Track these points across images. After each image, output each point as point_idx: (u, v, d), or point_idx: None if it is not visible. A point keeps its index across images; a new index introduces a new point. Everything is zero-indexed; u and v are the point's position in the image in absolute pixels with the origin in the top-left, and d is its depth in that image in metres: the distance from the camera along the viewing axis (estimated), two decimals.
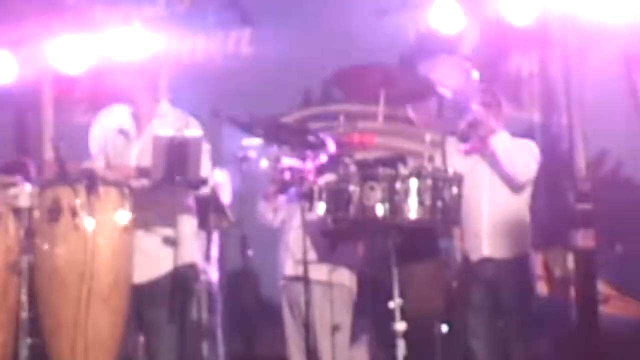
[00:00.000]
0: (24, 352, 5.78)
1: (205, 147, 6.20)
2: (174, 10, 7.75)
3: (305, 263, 6.57)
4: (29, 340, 5.80)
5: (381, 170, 5.85)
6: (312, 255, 6.78)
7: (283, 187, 7.09)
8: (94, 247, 5.72)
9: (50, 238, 5.77)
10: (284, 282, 7.45)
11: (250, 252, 7.81)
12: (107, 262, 5.79)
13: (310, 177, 6.43)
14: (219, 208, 6.82)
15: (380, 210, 5.75)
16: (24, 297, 5.80)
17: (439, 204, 5.85)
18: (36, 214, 5.84)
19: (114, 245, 5.86)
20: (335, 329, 7.01)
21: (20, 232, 5.84)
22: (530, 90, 8.56)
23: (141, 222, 6.01)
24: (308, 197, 6.18)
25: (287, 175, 6.85)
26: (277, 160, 6.93)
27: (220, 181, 7.04)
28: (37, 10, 7.13)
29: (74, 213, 5.72)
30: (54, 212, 5.76)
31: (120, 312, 5.87)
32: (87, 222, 5.72)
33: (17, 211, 5.88)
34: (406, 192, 5.76)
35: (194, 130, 6.17)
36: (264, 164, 7.05)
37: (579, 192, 8.18)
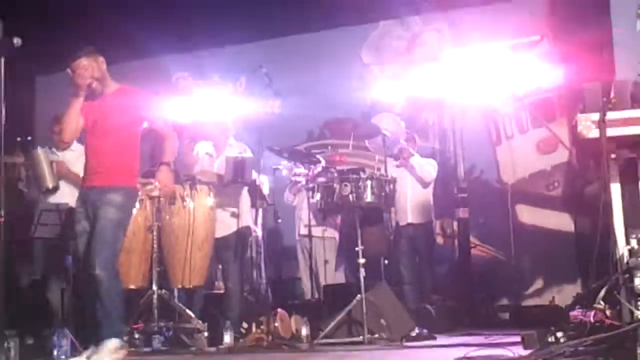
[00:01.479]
0: (154, 274, 6.15)
1: (254, 163, 6.63)
2: (237, 88, 8.04)
3: (309, 227, 6.95)
4: (157, 269, 6.20)
5: (351, 175, 6.11)
6: (313, 222, 7.08)
7: (296, 184, 7.36)
8: (193, 218, 6.30)
9: (169, 213, 6.31)
10: (298, 237, 7.70)
11: (279, 220, 7.99)
12: (201, 226, 6.32)
13: (311, 179, 6.62)
14: (261, 195, 6.93)
15: (350, 197, 5.97)
16: (155, 245, 6.20)
17: (383, 194, 6.10)
18: (162, 199, 6.26)
19: (204, 217, 6.36)
20: (326, 262, 7.32)
21: (153, 210, 6.25)
22: (433, 132, 8.74)
23: (219, 203, 6.51)
24: (310, 190, 6.38)
25: (298, 178, 7.12)
26: (291, 170, 7.18)
27: (262, 181, 7.00)
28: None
29: (182, 199, 6.29)
30: (172, 199, 6.28)
31: (207, 253, 6.41)
32: (190, 204, 6.31)
33: (152, 198, 6.21)
34: (365, 187, 6.02)
35: (247, 153, 6.67)
36: (284, 172, 7.33)
37: (459, 187, 8.36)
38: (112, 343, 4.70)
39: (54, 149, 6.51)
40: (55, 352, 5.74)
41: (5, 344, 4.97)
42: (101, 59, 5.02)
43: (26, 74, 9.60)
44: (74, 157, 6.70)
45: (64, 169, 6.49)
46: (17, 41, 4.60)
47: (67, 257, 5.40)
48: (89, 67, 4.94)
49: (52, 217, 6.42)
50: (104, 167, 4.94)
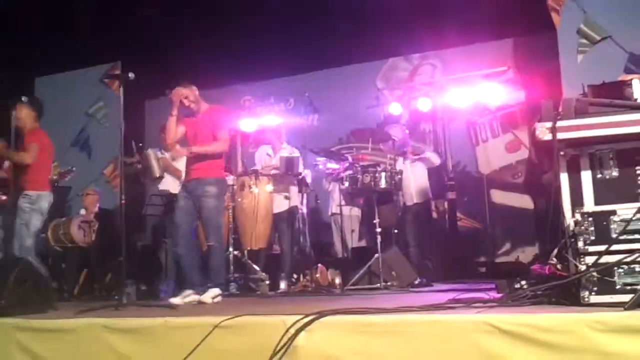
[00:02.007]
0: (231, 240, 6.28)
1: (300, 160, 6.74)
2: (287, 107, 7.92)
3: (340, 206, 6.76)
4: (233, 236, 6.37)
5: (370, 169, 6.05)
6: (342, 203, 6.80)
7: (330, 175, 7.10)
8: (257, 200, 6.41)
9: (240, 196, 6.42)
10: (331, 214, 7.60)
11: (318, 201, 7.83)
12: (263, 204, 6.43)
13: (341, 171, 6.41)
14: (305, 184, 6.77)
15: (370, 184, 5.99)
16: (231, 219, 6.36)
17: (393, 181, 6.09)
18: (235, 187, 6.40)
19: (265, 199, 6.48)
20: (352, 231, 7.22)
21: (229, 194, 6.15)
22: (429, 137, 8.60)
23: (276, 189, 6.58)
24: (340, 179, 6.34)
25: (331, 171, 6.93)
26: (326, 165, 7.00)
27: (306, 173, 6.86)
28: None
29: (249, 186, 6.41)
30: (242, 186, 6.43)
31: (268, 225, 6.54)
32: (254, 190, 6.41)
33: (228, 187, 5.84)
34: (380, 177, 6.01)
35: (295, 153, 6.76)
36: (321, 167, 7.11)
37: (449, 177, 8.29)
38: (215, 290, 4.78)
39: (162, 150, 6.59)
40: (161, 295, 5.91)
41: (126, 290, 5.11)
42: (194, 87, 5.10)
43: (138, 98, 9.75)
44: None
45: (167, 164, 6.54)
46: (131, 75, 4.71)
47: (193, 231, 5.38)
48: (186, 93, 5.01)
49: (158, 200, 6.53)
50: (201, 165, 4.98)
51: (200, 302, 4.66)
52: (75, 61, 9.78)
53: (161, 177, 6.47)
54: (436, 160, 7.28)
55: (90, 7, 8.79)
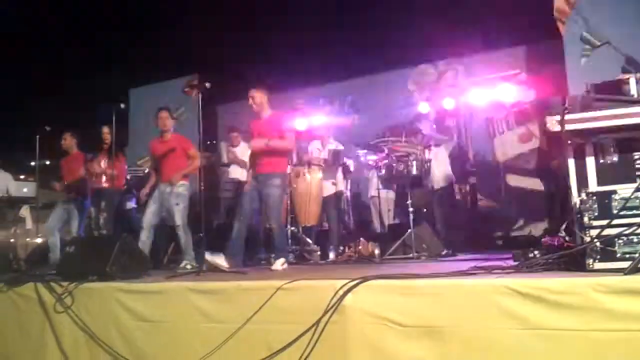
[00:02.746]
0: (288, 218, 6.35)
1: (344, 152, 6.78)
2: (333, 108, 8.04)
3: (378, 190, 6.77)
4: (290, 215, 6.41)
5: (403, 158, 5.96)
6: (380, 187, 6.80)
7: (370, 165, 6.91)
8: (310, 185, 6.40)
9: (296, 182, 6.41)
10: (370, 197, 7.50)
11: (359, 186, 7.77)
12: (315, 189, 6.41)
13: (379, 161, 6.29)
14: (349, 172, 6.84)
15: (403, 171, 5.92)
16: (288, 201, 6.36)
17: (423, 169, 6.03)
18: (292, 174, 6.33)
19: (316, 184, 6.44)
20: (388, 210, 7.18)
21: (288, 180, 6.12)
22: (453, 131, 8.27)
23: (325, 177, 6.53)
24: (378, 168, 6.28)
25: (370, 161, 6.74)
26: (366, 156, 6.85)
27: (349, 163, 6.86)
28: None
29: (303, 174, 6.41)
30: (297, 174, 6.42)
31: (318, 206, 6.47)
32: (307, 177, 6.42)
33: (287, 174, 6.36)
34: (411, 165, 5.92)
35: (340, 147, 6.77)
36: (362, 158, 6.95)
37: (470, 164, 8.20)
38: (282, 260, 4.84)
39: (232, 145, 6.66)
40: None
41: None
42: (264, 92, 5.16)
43: (212, 103, 9.85)
44: (241, 150, 6.90)
45: (234, 155, 6.60)
46: (207, 85, 4.75)
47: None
48: (252, 94, 5.08)
49: (229, 186, 6.63)
50: (270, 160, 5.02)
51: (271, 270, 4.70)
52: (162, 73, 10.01)
53: (228, 164, 6.57)
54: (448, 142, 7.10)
55: (172, 27, 9.09)
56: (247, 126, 5.41)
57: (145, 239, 5.35)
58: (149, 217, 5.45)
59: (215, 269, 4.54)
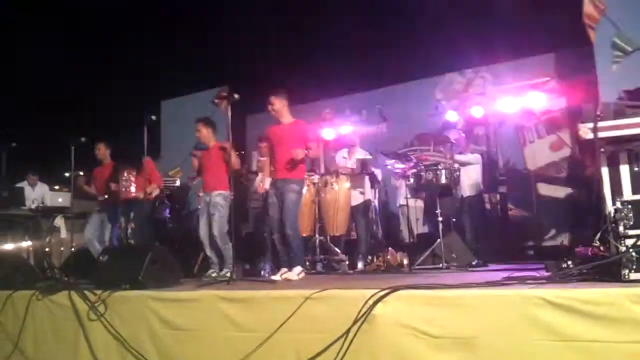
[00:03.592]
0: (316, 227, 6.25)
1: (372, 161, 6.72)
2: (361, 118, 8.05)
3: (406, 199, 6.64)
4: (318, 224, 6.29)
5: (432, 167, 5.87)
6: (408, 196, 6.58)
7: (398, 174, 6.92)
8: (338, 194, 6.30)
9: (324, 191, 6.32)
10: (399, 206, 7.46)
11: (388, 195, 7.76)
12: (342, 198, 6.31)
13: (407, 170, 6.14)
14: (377, 181, 6.76)
15: (432, 180, 5.78)
16: (316, 210, 6.28)
17: (452, 177, 5.88)
18: (319, 184, 6.35)
19: (344, 194, 6.35)
20: (417, 219, 7.12)
21: (314, 190, 6.29)
22: (482, 140, 8.33)
23: (353, 186, 6.46)
24: (406, 177, 6.14)
25: (399, 170, 6.73)
26: (395, 165, 6.85)
27: (377, 172, 6.76)
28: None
29: (331, 184, 6.32)
30: (325, 183, 6.34)
31: (346, 215, 6.39)
32: (335, 186, 6.32)
33: (314, 183, 6.32)
34: (440, 174, 5.78)
35: (368, 156, 6.72)
36: (390, 167, 6.98)
37: (500, 173, 8.11)
38: (298, 268, 4.85)
39: (261, 154, 6.68)
40: (262, 272, 6.01)
41: (236, 268, 5.21)
42: (282, 98, 5.16)
43: (241, 114, 9.80)
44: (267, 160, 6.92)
45: (263, 164, 6.61)
46: (237, 96, 4.81)
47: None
48: (271, 100, 5.12)
49: (258, 195, 6.64)
50: (288, 166, 5.03)
51: (286, 279, 4.67)
52: (193, 86, 10.18)
53: (257, 173, 6.59)
54: (475, 161, 6.93)
55: (204, 39, 9.19)
56: (265, 132, 5.45)
57: (209, 253, 5.50)
58: (202, 228, 5.55)
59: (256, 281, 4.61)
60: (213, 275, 5.32)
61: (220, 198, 5.50)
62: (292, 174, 5.05)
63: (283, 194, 4.99)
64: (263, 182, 5.58)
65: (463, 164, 6.58)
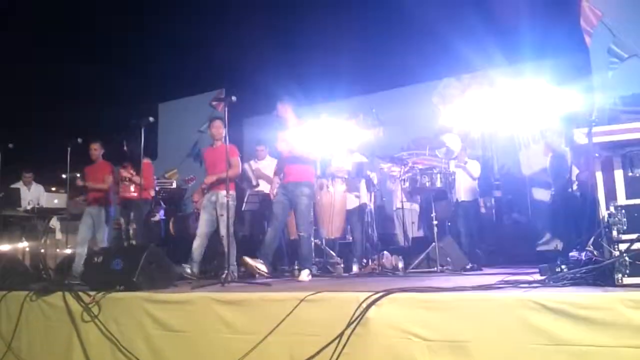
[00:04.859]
0: (313, 229, 5.99)
1: (368, 165, 6.59)
2: (358, 121, 7.65)
3: (402, 202, 6.51)
4: (313, 227, 5.93)
5: (427, 171, 5.87)
6: (404, 199, 6.49)
7: (394, 177, 6.87)
8: (334, 197, 6.27)
9: (319, 194, 6.23)
10: (395, 209, 7.50)
11: (383, 199, 7.59)
12: (338, 201, 6.28)
13: (403, 174, 6.07)
14: (372, 184, 6.47)
15: (427, 184, 5.78)
16: (312, 213, 5.64)
17: (447, 182, 5.87)
18: (315, 187, 5.91)
19: (339, 197, 6.31)
20: (412, 223, 7.06)
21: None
22: (478, 144, 8.33)
23: (348, 189, 6.42)
24: (402, 180, 6.09)
25: (395, 173, 6.66)
26: (390, 169, 6.78)
27: (373, 176, 6.56)
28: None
29: (327, 187, 6.27)
30: (321, 186, 6.27)
31: (342, 218, 6.34)
32: (331, 189, 6.28)
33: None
34: (436, 178, 5.78)
35: (364, 159, 6.66)
36: (386, 170, 6.90)
37: (495, 178, 8.09)
38: (307, 271, 4.93)
39: (256, 160, 6.66)
40: (256, 275, 5.95)
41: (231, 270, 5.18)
42: (286, 104, 5.18)
43: (237, 117, 9.89)
44: (265, 165, 6.91)
45: (260, 172, 6.62)
46: (234, 98, 4.81)
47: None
48: (280, 109, 5.14)
49: (254, 198, 6.63)
50: (298, 169, 5.15)
51: (299, 280, 4.73)
52: (190, 88, 10.25)
53: (257, 185, 6.58)
54: (475, 171, 6.96)
55: (200, 43, 9.21)
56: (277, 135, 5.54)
57: (196, 246, 5.44)
58: (202, 226, 5.53)
59: (251, 274, 4.66)
60: (187, 270, 5.31)
61: (230, 199, 5.46)
62: (303, 177, 5.13)
63: (296, 198, 5.06)
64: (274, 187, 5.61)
65: (467, 170, 6.65)
